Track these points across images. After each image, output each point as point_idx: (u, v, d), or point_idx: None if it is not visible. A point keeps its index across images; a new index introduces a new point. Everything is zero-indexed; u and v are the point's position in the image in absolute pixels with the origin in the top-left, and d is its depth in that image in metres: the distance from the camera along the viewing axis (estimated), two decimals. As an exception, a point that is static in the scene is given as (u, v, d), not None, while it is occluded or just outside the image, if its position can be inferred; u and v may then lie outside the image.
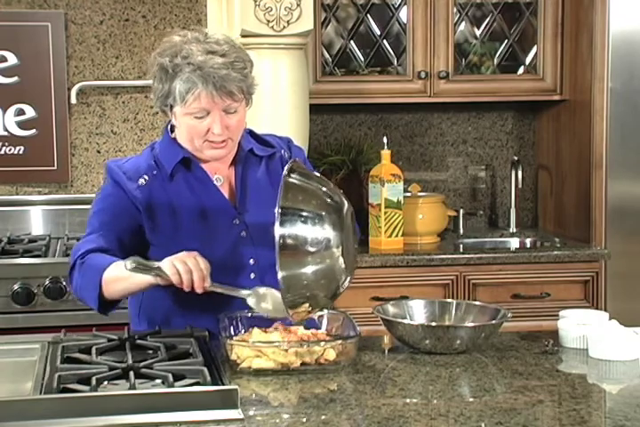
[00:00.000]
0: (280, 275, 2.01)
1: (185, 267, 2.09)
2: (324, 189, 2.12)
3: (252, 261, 2.33)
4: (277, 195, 2.04)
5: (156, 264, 2.12)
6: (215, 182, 2.34)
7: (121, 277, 2.17)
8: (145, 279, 2.14)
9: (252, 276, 2.33)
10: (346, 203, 2.14)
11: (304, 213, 2.04)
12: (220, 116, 2.23)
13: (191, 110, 2.23)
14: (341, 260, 2.07)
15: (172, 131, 2.36)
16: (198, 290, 2.10)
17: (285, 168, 2.10)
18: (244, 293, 2.18)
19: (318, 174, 2.20)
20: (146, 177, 2.31)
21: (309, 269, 2.03)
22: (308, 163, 2.47)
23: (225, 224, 2.31)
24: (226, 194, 2.35)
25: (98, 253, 2.25)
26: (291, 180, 2.07)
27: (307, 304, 2.07)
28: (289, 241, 2.01)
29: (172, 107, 2.27)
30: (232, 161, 2.37)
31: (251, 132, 2.43)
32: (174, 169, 2.31)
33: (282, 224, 2.01)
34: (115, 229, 2.29)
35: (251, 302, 2.17)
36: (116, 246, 2.28)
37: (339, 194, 2.14)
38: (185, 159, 2.32)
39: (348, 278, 2.11)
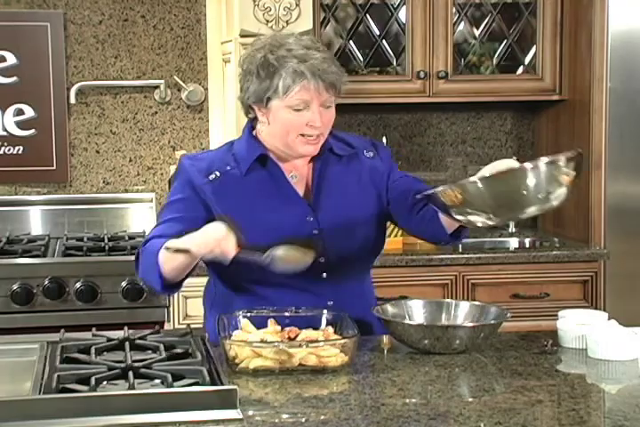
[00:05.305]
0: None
1: (205, 246, 2.12)
2: None
3: (322, 259, 2.33)
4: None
5: (185, 249, 2.14)
6: (290, 179, 2.36)
7: (169, 257, 2.20)
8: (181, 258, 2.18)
9: (325, 275, 2.35)
10: None
11: None
12: (320, 109, 2.26)
13: (293, 102, 2.25)
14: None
15: (251, 130, 2.39)
16: (226, 259, 2.15)
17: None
18: (261, 258, 2.18)
19: None
20: (217, 173, 2.34)
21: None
22: (393, 162, 2.48)
23: (298, 221, 2.32)
24: (301, 191, 2.36)
25: (160, 239, 2.27)
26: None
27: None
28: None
29: (267, 102, 2.28)
30: (310, 159, 2.39)
31: (330, 131, 2.43)
32: (251, 166, 2.34)
33: None
34: (183, 221, 2.30)
35: (271, 265, 2.18)
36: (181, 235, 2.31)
37: None
38: (262, 156, 2.34)
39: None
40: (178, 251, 2.14)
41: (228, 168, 2.34)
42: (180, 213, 2.31)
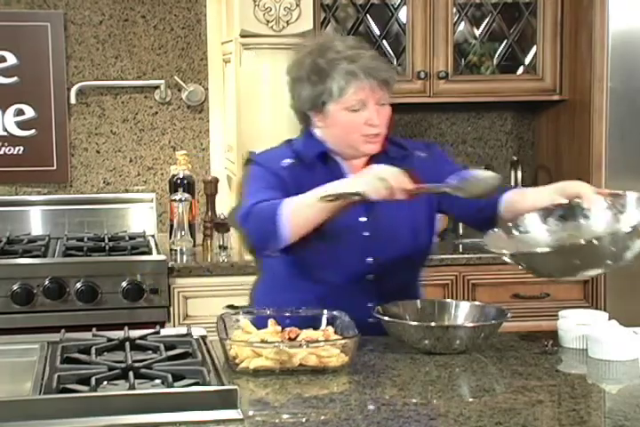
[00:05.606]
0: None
1: (379, 181, 2.07)
2: None
3: (370, 260, 2.34)
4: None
5: (352, 190, 2.08)
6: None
7: (310, 203, 2.13)
8: (335, 205, 2.11)
9: (371, 277, 2.35)
10: None
11: None
12: (376, 107, 2.28)
13: (349, 103, 2.27)
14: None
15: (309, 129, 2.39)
16: (400, 196, 2.09)
17: None
18: (448, 187, 2.14)
19: None
20: (288, 160, 2.33)
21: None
22: (448, 161, 2.48)
23: (351, 221, 2.31)
24: None
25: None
26: None
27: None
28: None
29: (323, 105, 2.29)
30: (367, 160, 2.38)
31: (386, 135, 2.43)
32: (313, 162, 2.34)
33: None
34: (279, 190, 2.27)
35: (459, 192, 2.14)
36: None
37: None
38: (324, 154, 2.34)
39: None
40: (341, 197, 2.08)
41: (294, 162, 2.34)
42: (272, 184, 2.28)
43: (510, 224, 2.26)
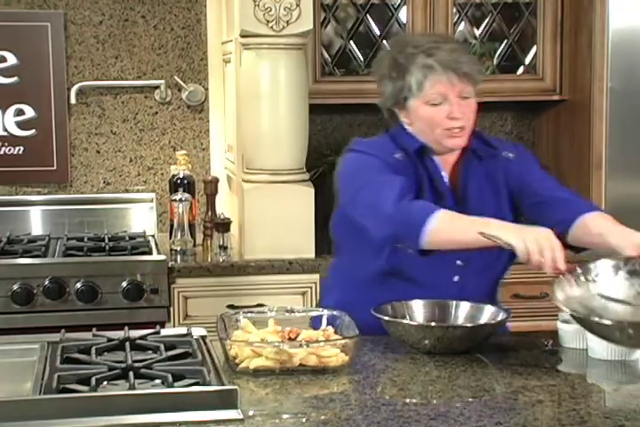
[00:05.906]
0: None
1: (536, 247, 2.04)
2: None
3: (459, 263, 2.34)
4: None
5: (507, 240, 2.05)
6: (443, 176, 2.36)
7: (464, 231, 2.13)
8: (483, 241, 2.08)
9: (456, 278, 2.35)
10: None
11: None
12: (457, 100, 2.26)
13: (428, 97, 2.26)
14: None
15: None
16: (548, 270, 2.06)
17: None
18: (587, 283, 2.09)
19: None
20: (399, 153, 2.33)
21: None
22: (534, 165, 2.46)
23: None
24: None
25: (412, 198, 2.20)
26: None
27: None
28: None
29: (405, 101, 2.29)
30: (457, 159, 2.38)
31: (476, 132, 2.41)
32: (413, 157, 2.33)
33: None
34: (402, 178, 2.26)
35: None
36: None
37: None
38: (420, 149, 2.33)
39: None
40: (493, 238, 2.05)
41: (402, 154, 2.33)
42: (389, 173, 2.25)
43: (580, 270, 2.13)
